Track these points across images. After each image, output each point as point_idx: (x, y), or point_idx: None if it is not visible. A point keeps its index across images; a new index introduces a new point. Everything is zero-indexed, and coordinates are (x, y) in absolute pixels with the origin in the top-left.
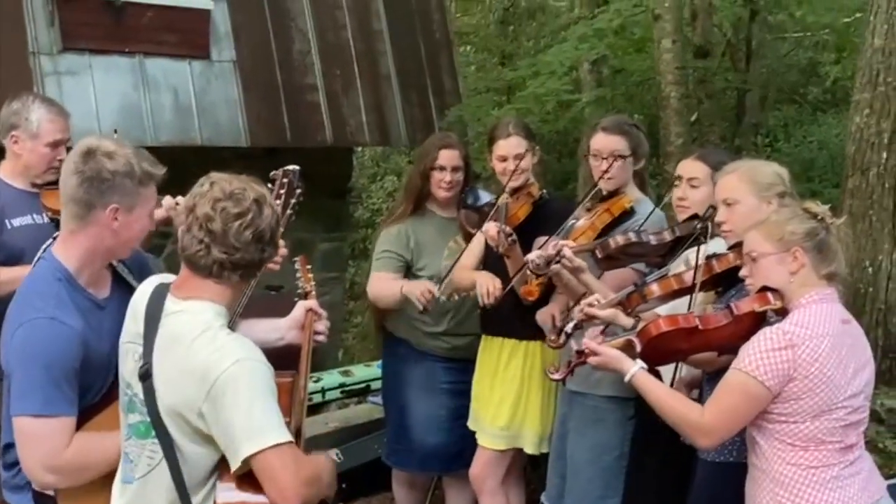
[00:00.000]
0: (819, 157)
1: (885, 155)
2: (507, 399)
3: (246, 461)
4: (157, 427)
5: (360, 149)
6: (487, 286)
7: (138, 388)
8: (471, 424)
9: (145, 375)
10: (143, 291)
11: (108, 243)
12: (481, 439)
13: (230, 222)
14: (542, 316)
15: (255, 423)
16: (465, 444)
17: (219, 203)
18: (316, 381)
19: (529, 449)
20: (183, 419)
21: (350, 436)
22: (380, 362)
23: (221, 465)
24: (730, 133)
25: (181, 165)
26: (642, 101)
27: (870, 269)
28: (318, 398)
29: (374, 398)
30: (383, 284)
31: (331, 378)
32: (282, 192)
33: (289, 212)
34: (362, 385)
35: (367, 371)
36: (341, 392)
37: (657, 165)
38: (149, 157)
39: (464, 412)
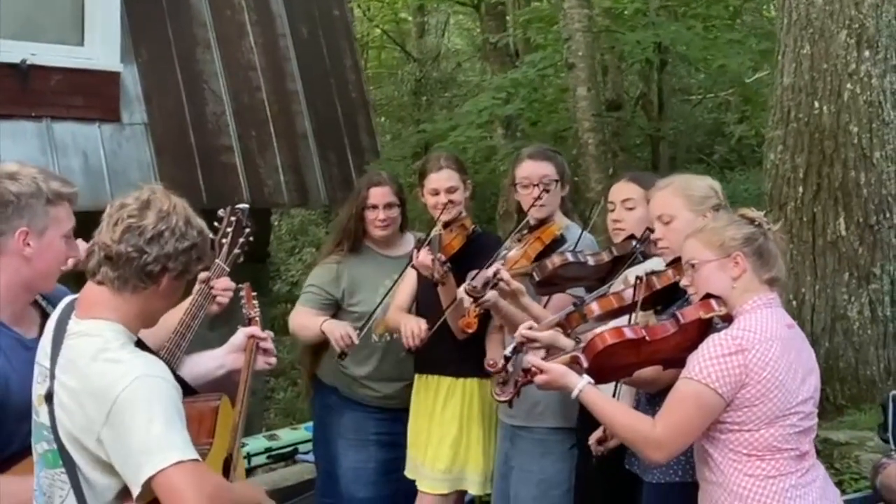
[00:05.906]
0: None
1: (801, 189)
2: (447, 440)
3: (147, 485)
4: (63, 454)
5: (276, 223)
6: (412, 328)
7: (43, 411)
8: (409, 473)
9: (48, 397)
10: (59, 307)
11: (24, 273)
12: (422, 485)
13: (121, 220)
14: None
15: (154, 441)
16: (396, 500)
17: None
18: (241, 447)
19: (474, 489)
20: (82, 446)
21: (279, 499)
22: (307, 425)
23: (126, 496)
24: None
25: (93, 230)
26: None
27: (794, 303)
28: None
29: (304, 457)
30: (304, 319)
31: (256, 443)
32: (229, 230)
33: (237, 251)
34: (289, 448)
35: (295, 434)
36: (267, 457)
37: (580, 213)
38: (59, 176)
39: (395, 465)
